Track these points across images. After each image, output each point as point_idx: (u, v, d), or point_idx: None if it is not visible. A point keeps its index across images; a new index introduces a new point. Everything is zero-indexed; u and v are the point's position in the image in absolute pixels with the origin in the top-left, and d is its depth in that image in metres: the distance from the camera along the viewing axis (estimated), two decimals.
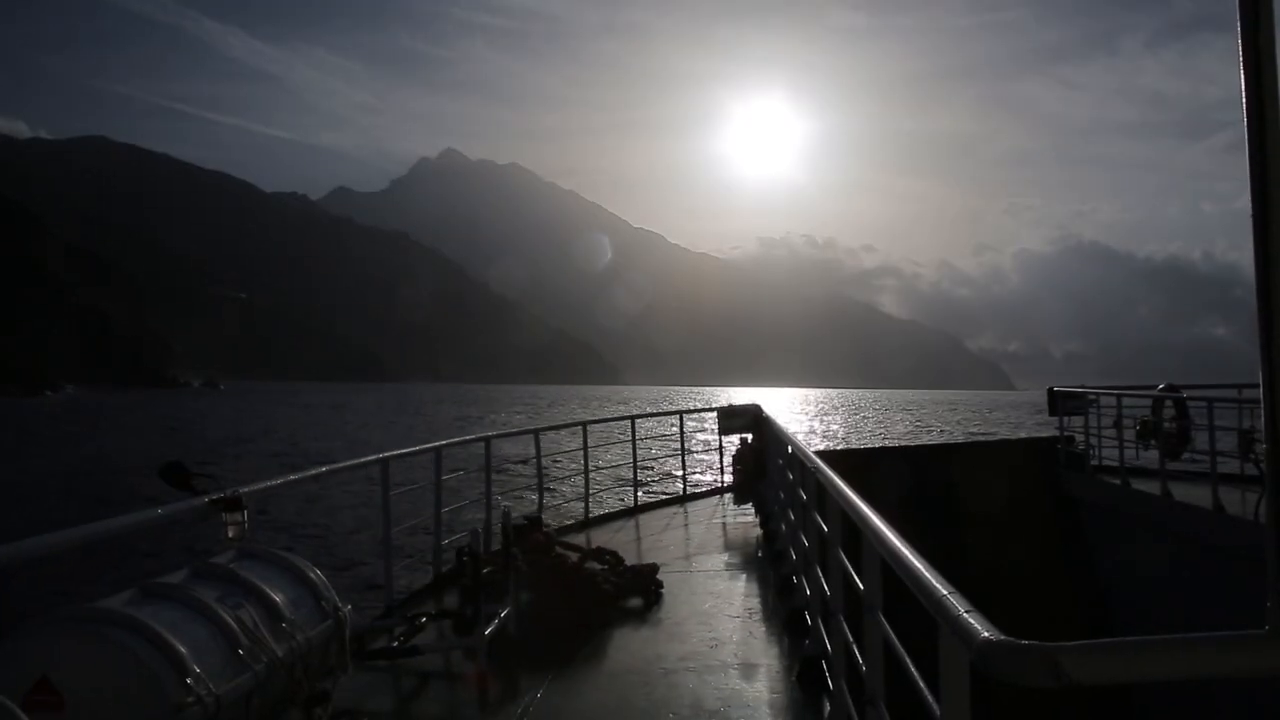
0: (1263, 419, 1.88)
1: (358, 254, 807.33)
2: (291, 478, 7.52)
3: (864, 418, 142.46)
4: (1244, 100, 1.78)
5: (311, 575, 5.86)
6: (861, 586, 4.37)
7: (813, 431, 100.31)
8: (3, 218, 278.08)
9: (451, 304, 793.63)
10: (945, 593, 2.57)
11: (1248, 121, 1.78)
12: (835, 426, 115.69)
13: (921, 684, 3.11)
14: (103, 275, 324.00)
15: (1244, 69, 1.78)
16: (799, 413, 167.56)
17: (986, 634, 2.14)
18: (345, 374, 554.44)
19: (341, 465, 8.94)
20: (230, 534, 5.75)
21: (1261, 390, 1.86)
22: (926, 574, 2.82)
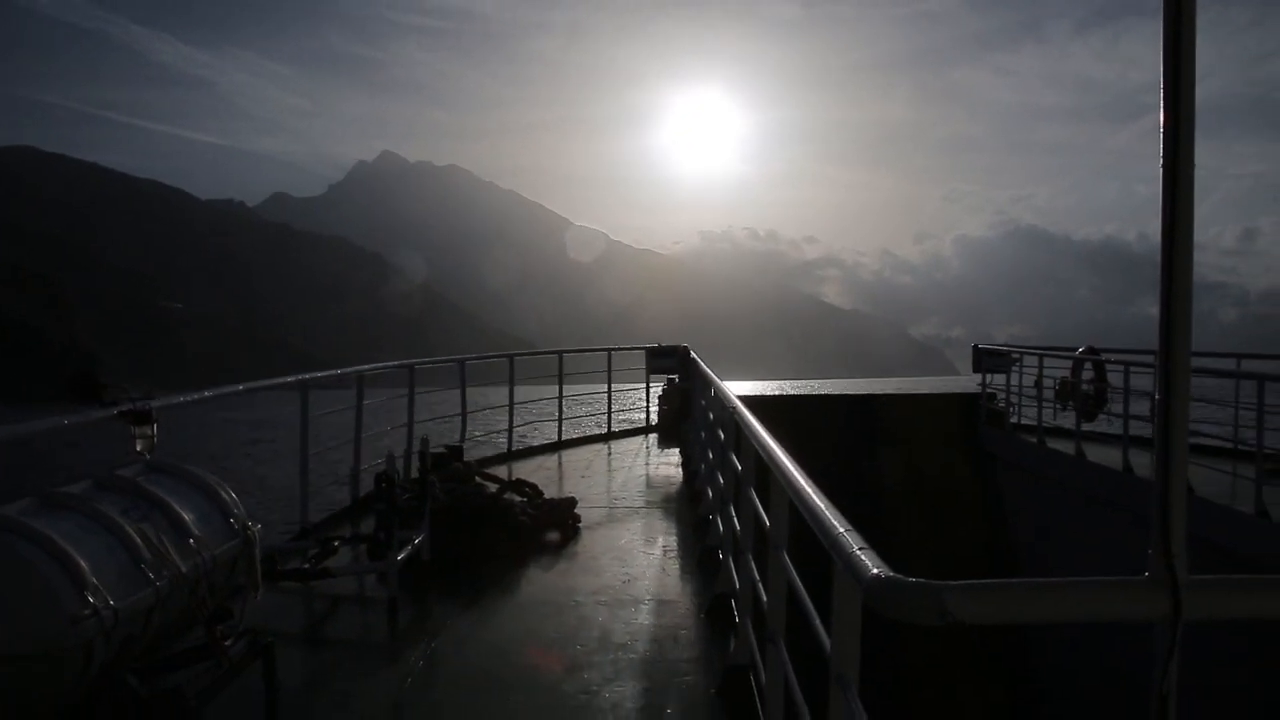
0: (1156, 379, 1.99)
1: (297, 260, 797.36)
2: (207, 393, 7.44)
3: None
4: (1161, 83, 1.83)
5: (222, 493, 5.72)
6: (769, 525, 4.43)
7: None
8: None
9: (393, 307, 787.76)
10: (841, 530, 2.61)
11: (1163, 103, 1.84)
12: None
13: (816, 620, 3.19)
14: (29, 289, 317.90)
15: (1164, 52, 1.82)
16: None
17: (876, 570, 2.18)
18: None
19: (259, 384, 8.90)
20: (139, 447, 5.66)
21: (1158, 354, 1.93)
22: (826, 513, 2.87)
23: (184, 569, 4.97)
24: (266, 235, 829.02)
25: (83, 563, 4.34)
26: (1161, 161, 1.87)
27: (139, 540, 4.79)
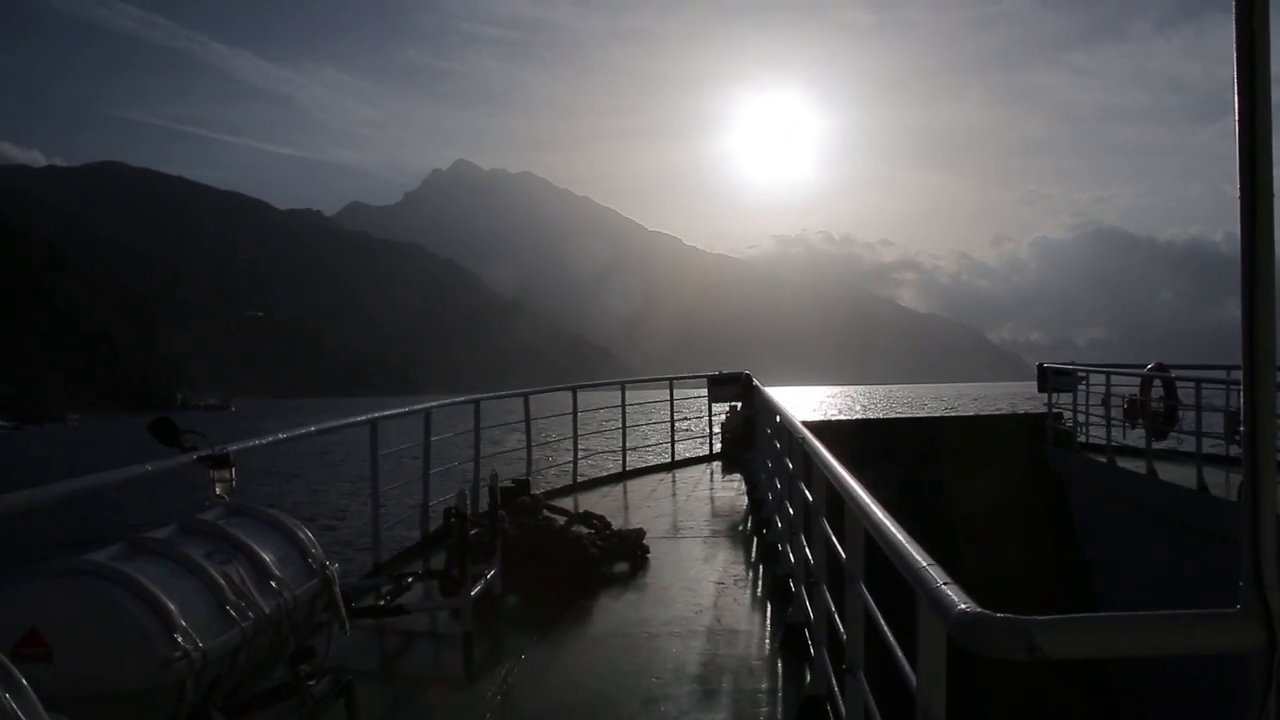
0: (1242, 403, 1.95)
1: (374, 268, 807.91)
2: (281, 436, 7.56)
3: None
4: (1235, 84, 1.82)
5: (299, 533, 5.87)
6: (844, 556, 4.43)
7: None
8: (14, 247, 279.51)
9: (470, 314, 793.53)
10: (924, 564, 2.61)
11: (1238, 104, 1.82)
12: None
13: (900, 653, 3.18)
14: (115, 301, 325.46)
15: (1237, 50, 1.82)
16: (818, 413, 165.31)
17: (963, 606, 2.18)
18: (366, 389, 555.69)
19: (331, 425, 8.98)
20: (218, 491, 5.81)
21: (1243, 374, 1.92)
22: (907, 546, 2.87)
23: (267, 610, 5.10)
24: (344, 243, 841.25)
25: (172, 606, 4.47)
26: (1238, 159, 1.83)
27: (223, 582, 4.92)
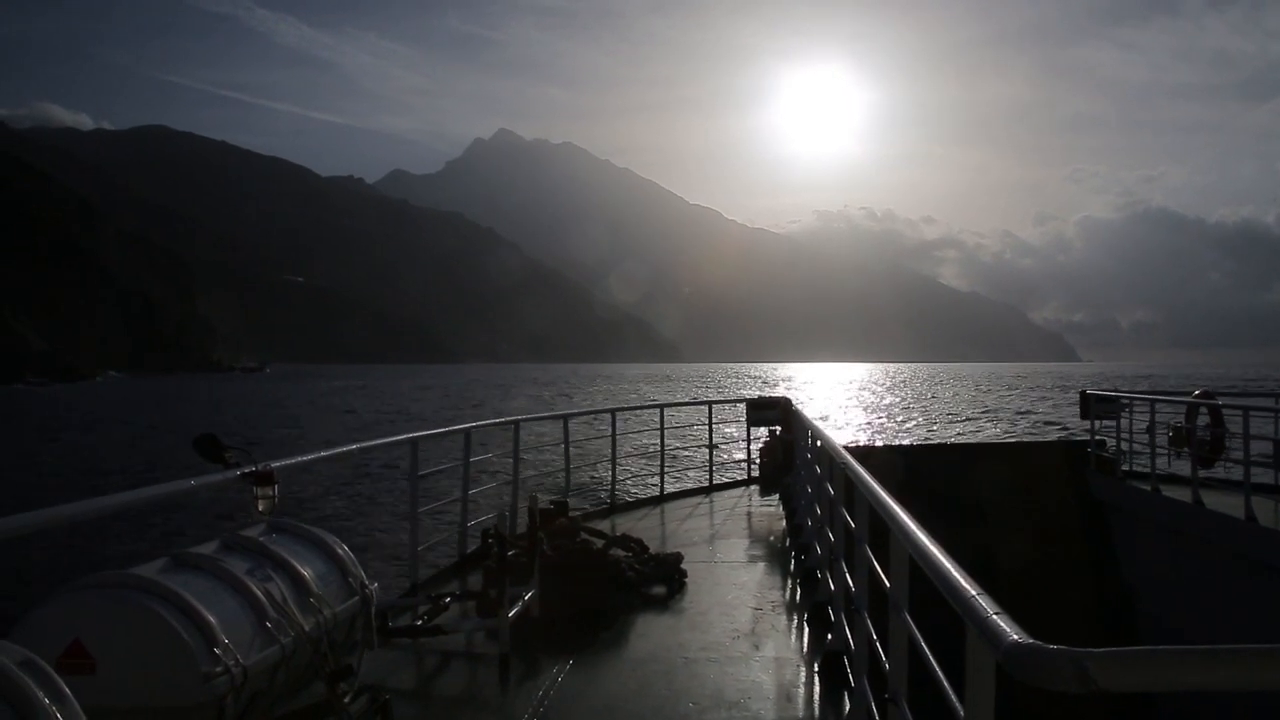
0: None
1: (414, 236, 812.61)
2: (323, 454, 7.64)
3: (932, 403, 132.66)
4: None
5: (339, 551, 5.92)
6: (888, 584, 4.38)
7: (878, 415, 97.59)
8: (58, 208, 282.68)
9: (509, 284, 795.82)
10: (974, 594, 2.57)
11: None
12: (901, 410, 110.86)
13: (946, 684, 3.13)
14: (155, 262, 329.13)
15: None
16: (856, 391, 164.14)
17: (1015, 637, 2.14)
18: (403, 355, 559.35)
19: (372, 443, 9.03)
20: (261, 508, 5.87)
21: None
22: (955, 574, 2.83)
23: (307, 627, 5.15)
24: (385, 210, 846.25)
25: (214, 621, 4.54)
26: None
27: (264, 599, 4.98)
